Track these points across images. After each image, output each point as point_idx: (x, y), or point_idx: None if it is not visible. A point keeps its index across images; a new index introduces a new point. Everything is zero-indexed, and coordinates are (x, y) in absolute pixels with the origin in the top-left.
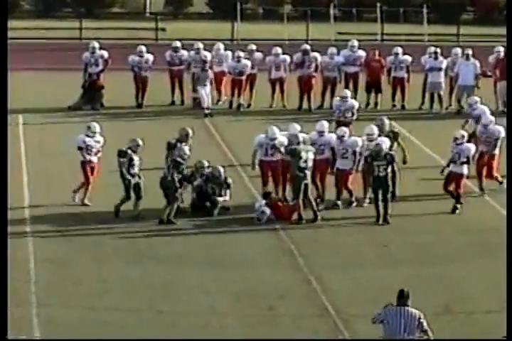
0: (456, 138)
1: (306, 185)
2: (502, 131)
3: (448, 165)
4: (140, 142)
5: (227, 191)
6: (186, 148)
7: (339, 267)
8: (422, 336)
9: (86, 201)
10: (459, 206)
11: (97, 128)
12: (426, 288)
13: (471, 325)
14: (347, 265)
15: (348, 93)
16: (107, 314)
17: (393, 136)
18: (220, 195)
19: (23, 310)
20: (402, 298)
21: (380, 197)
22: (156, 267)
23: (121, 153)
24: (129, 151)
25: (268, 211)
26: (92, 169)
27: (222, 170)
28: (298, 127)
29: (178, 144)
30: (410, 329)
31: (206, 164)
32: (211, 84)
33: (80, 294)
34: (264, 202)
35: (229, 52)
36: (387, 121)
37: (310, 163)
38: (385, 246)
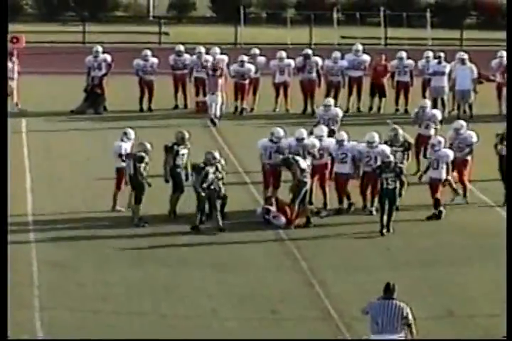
0: (433, 145)
1: (306, 190)
2: (474, 137)
3: (425, 172)
4: (148, 146)
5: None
6: (216, 153)
7: (342, 270)
8: (406, 332)
9: (118, 207)
10: (442, 209)
11: (133, 135)
12: (428, 291)
13: (473, 329)
14: (350, 268)
15: (332, 101)
16: (110, 317)
17: (408, 147)
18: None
19: (26, 314)
20: (388, 290)
21: (386, 208)
22: (159, 270)
23: (140, 159)
24: (147, 156)
25: (282, 218)
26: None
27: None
28: (305, 132)
29: (175, 147)
30: (392, 322)
31: (218, 156)
32: (221, 90)
33: (83, 297)
34: (272, 207)
35: (225, 56)
36: (401, 131)
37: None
38: (388, 250)
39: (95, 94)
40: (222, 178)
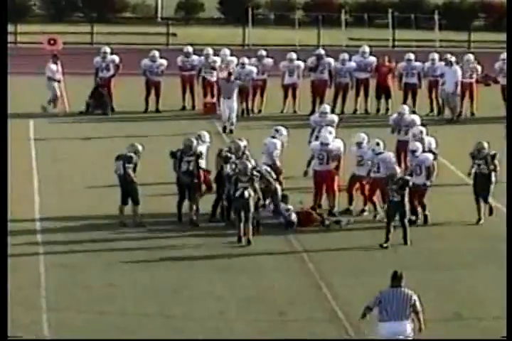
0: (414, 151)
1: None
2: (433, 143)
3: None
4: (139, 147)
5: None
6: (248, 164)
7: (349, 273)
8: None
9: None
10: (428, 213)
11: (207, 137)
12: (436, 294)
13: (481, 331)
14: (357, 271)
15: (328, 108)
16: (117, 319)
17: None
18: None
19: (33, 315)
20: (396, 278)
21: (394, 221)
22: (166, 272)
23: (129, 159)
24: (136, 157)
25: (295, 220)
26: (205, 176)
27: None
28: (330, 137)
29: (178, 153)
30: (400, 309)
31: (250, 166)
32: (237, 96)
33: (90, 299)
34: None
35: (234, 58)
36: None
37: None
38: (395, 253)
39: (100, 94)
40: (259, 199)
